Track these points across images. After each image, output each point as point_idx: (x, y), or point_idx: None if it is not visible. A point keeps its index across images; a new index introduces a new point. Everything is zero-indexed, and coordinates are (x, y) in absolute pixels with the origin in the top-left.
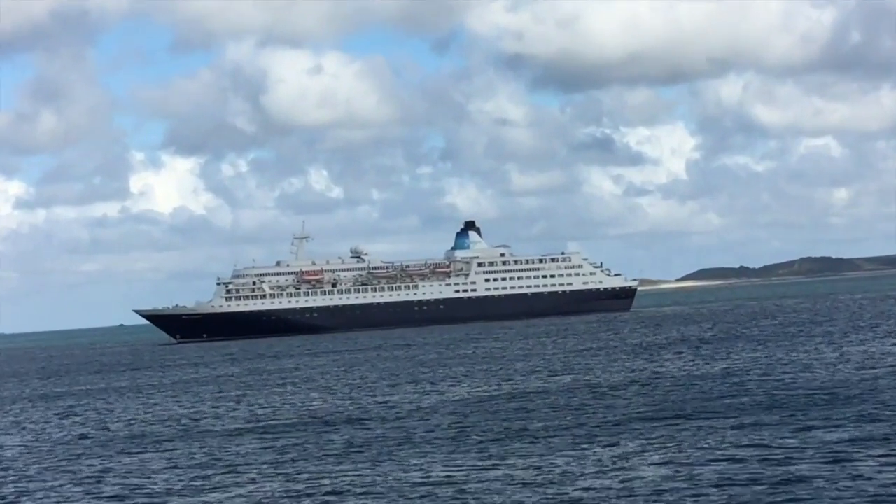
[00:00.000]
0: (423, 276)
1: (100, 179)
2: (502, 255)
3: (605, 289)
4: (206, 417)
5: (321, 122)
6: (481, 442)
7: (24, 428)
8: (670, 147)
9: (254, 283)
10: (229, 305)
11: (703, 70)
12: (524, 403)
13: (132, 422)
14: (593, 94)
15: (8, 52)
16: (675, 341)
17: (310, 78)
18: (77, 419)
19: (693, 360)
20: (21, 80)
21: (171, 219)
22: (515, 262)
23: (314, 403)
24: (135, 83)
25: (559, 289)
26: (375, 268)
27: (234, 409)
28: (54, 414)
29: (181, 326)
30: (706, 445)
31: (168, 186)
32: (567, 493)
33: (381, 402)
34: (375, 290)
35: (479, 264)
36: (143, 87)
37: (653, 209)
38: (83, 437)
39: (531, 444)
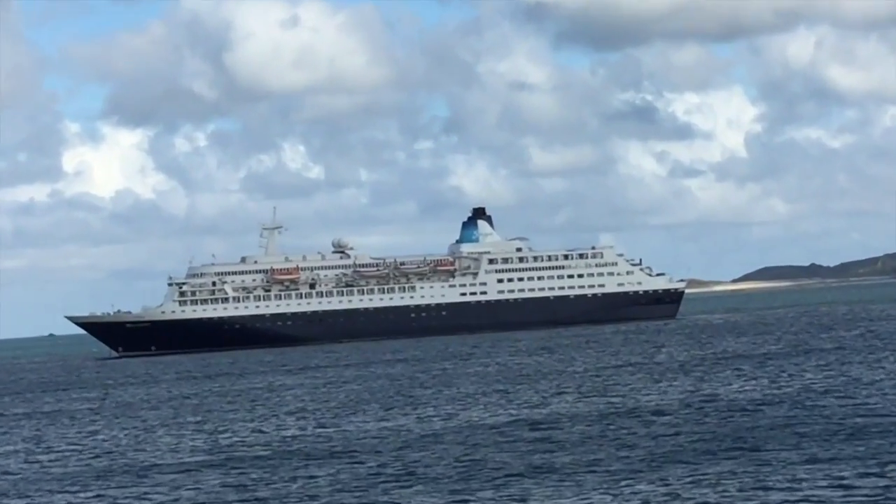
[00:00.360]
0: (421, 276)
1: (25, 156)
2: (518, 249)
3: (645, 291)
4: (157, 450)
5: (297, 87)
6: (495, 479)
7: None
8: (726, 117)
9: (213, 284)
10: (183, 311)
11: (767, 23)
12: (549, 432)
13: (66, 454)
14: (631, 53)
15: None
16: (733, 356)
17: (284, 32)
18: None
19: (755, 380)
20: None
21: (113, 205)
22: (535, 258)
23: (290, 431)
24: (69, 39)
25: (588, 291)
26: (363, 265)
27: (193, 439)
28: None
29: (124, 337)
30: (773, 484)
31: (109, 165)
32: None
33: (372, 431)
34: (363, 293)
35: (491, 261)
36: (79, 43)
37: (704, 194)
38: (5, 472)
39: (558, 483)
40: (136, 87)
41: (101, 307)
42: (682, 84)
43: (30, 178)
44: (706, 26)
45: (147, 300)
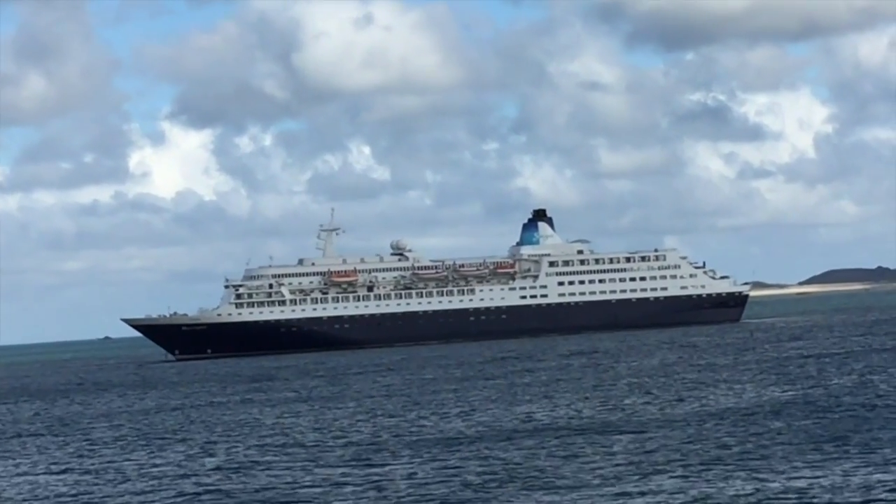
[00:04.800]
0: (480, 279)
1: (92, 157)
2: (580, 251)
3: (709, 295)
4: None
5: (367, 87)
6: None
7: None
8: (796, 118)
9: (270, 287)
10: (239, 314)
11: (843, 21)
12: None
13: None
14: (704, 52)
15: None
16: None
17: (355, 32)
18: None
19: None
20: (2, 35)
21: (175, 206)
22: (596, 260)
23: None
24: (140, 39)
25: (650, 294)
26: (422, 267)
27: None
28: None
29: (180, 340)
30: None
31: (173, 166)
32: None
33: (517, 423)
34: (421, 296)
35: (551, 263)
36: (150, 43)
37: (773, 195)
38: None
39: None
40: (204, 87)
41: (159, 309)
42: (755, 84)
43: (95, 179)
44: (782, 25)
45: (204, 302)
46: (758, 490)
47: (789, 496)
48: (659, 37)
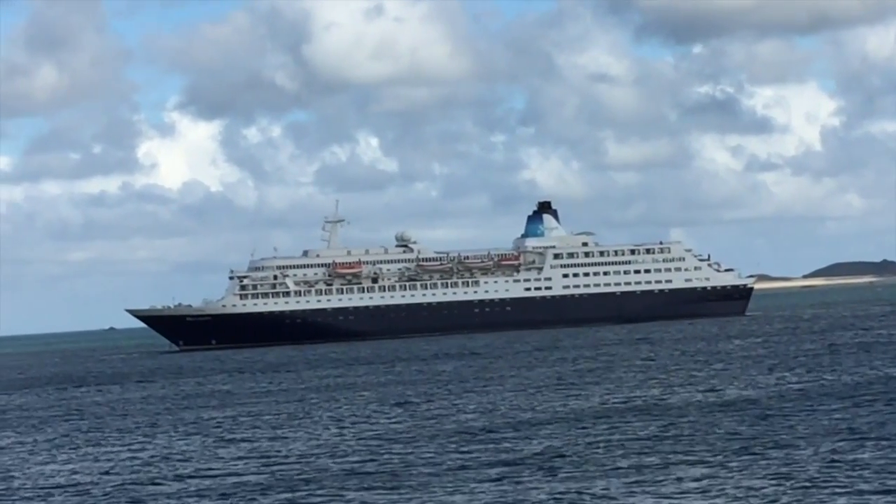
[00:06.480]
0: (485, 270)
1: (101, 148)
2: (584, 244)
3: (713, 287)
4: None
5: (376, 78)
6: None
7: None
8: (804, 111)
9: (275, 278)
10: (244, 305)
11: (851, 15)
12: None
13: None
14: (714, 45)
15: None
16: None
17: (366, 23)
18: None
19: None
20: (12, 26)
21: (181, 196)
22: (601, 252)
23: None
24: (152, 30)
25: (655, 287)
26: (426, 259)
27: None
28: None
29: (184, 330)
30: None
31: (181, 156)
32: None
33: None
34: (426, 287)
35: (556, 255)
36: (161, 34)
37: (779, 188)
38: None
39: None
40: (214, 78)
41: (164, 300)
42: (764, 77)
43: (103, 169)
44: (790, 18)
45: (209, 293)
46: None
47: None
48: (667, 29)
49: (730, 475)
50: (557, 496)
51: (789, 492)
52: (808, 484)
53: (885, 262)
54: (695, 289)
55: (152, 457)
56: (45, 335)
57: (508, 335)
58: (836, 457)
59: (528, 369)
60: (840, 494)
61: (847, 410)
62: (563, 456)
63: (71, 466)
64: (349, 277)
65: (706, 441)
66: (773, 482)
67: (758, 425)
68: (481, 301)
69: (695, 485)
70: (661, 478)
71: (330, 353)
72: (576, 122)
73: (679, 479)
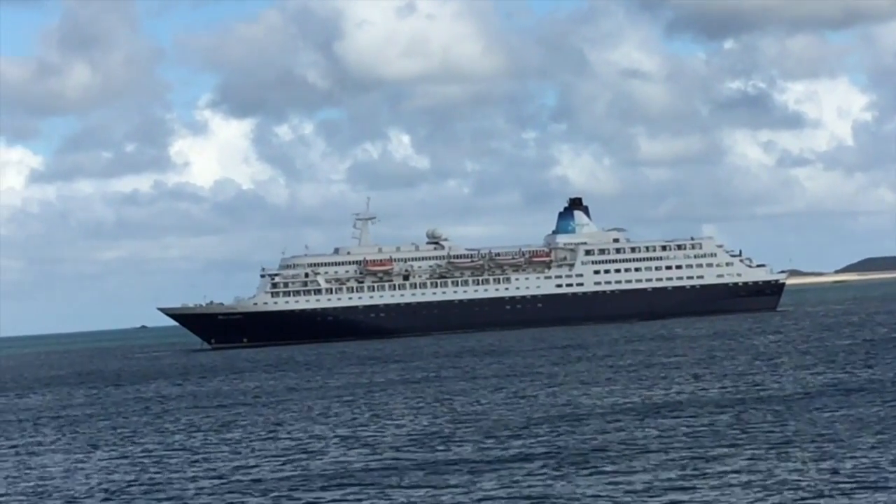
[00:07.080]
0: (516, 267)
1: (134, 146)
2: (616, 240)
3: (745, 283)
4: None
5: (408, 76)
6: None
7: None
8: (835, 106)
9: (306, 276)
10: (275, 303)
11: (883, 10)
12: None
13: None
14: (746, 40)
15: None
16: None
17: (398, 20)
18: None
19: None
20: (45, 26)
21: (214, 194)
22: (632, 248)
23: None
24: (184, 29)
25: (686, 283)
26: (457, 256)
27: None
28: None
29: (216, 329)
30: None
31: (213, 155)
32: None
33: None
34: (457, 285)
35: (587, 252)
36: (194, 33)
37: (811, 183)
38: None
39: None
40: (246, 76)
41: (196, 298)
42: (796, 72)
43: (136, 168)
44: (822, 13)
45: (240, 291)
46: None
47: None
48: (699, 25)
49: (772, 468)
50: (598, 491)
51: (832, 485)
52: (848, 479)
53: None
54: (726, 285)
55: (192, 454)
56: (78, 333)
57: (541, 331)
58: (876, 452)
59: (565, 364)
60: (882, 489)
61: (887, 405)
62: (604, 450)
63: (105, 465)
64: (380, 275)
65: (747, 434)
66: (817, 476)
67: (799, 419)
68: (512, 298)
69: (736, 478)
70: (706, 471)
71: (361, 351)
72: (607, 118)
73: (721, 474)
